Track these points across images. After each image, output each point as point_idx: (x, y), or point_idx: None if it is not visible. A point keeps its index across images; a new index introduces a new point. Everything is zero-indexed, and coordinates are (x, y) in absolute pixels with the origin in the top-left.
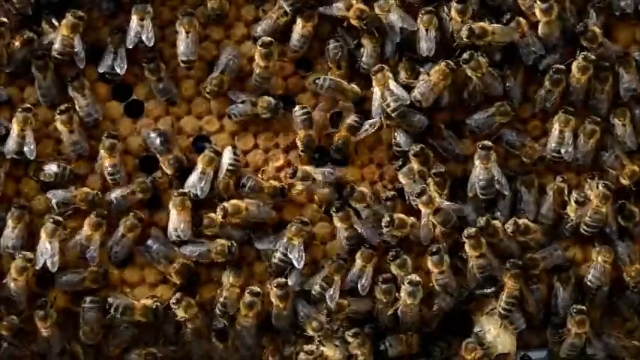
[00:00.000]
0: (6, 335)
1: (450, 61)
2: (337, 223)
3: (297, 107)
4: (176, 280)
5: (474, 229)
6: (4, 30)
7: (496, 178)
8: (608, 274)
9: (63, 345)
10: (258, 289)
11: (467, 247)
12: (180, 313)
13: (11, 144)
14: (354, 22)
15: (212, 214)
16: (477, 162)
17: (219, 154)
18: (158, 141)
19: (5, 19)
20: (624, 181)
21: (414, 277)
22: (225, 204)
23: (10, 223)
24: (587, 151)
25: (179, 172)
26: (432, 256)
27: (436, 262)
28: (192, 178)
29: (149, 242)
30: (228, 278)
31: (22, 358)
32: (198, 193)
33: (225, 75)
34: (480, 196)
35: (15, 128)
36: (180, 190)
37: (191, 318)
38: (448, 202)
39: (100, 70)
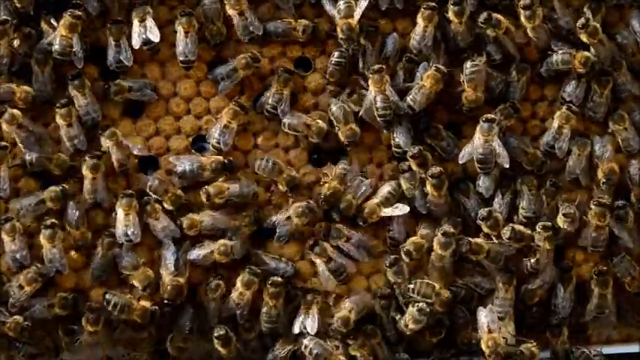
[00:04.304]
0: (13, 335)
1: (439, 66)
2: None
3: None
4: (164, 295)
5: (438, 169)
6: (7, 28)
7: (497, 151)
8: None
9: None
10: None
11: (428, 186)
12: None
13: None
14: (339, 33)
15: (192, 215)
16: (477, 134)
17: (243, 107)
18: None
19: (7, 17)
20: (599, 174)
21: (425, 305)
22: (207, 187)
23: (6, 238)
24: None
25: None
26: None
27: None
28: (215, 131)
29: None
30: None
31: (41, 355)
32: (222, 147)
33: None
34: (478, 168)
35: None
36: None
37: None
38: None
39: (109, 65)
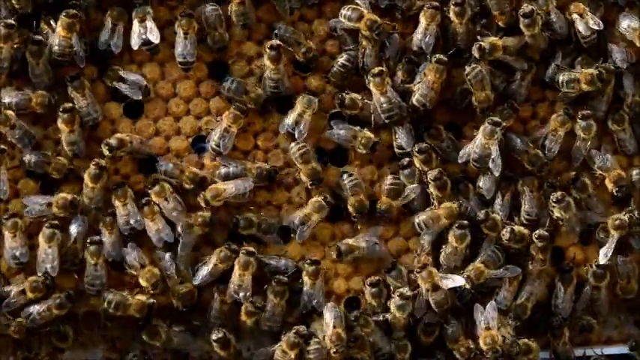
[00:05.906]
0: (18, 338)
1: (440, 56)
2: None
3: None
4: (177, 304)
5: (437, 171)
6: (13, 32)
7: (492, 157)
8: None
9: None
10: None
11: (432, 189)
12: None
13: None
14: (365, 32)
15: (214, 185)
16: (480, 134)
17: (244, 111)
18: None
19: (13, 22)
20: (609, 185)
21: (406, 290)
22: (203, 192)
23: (7, 234)
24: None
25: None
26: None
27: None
28: (215, 134)
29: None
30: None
31: None
32: (222, 151)
33: None
34: (473, 166)
35: None
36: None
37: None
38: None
39: (99, 47)
